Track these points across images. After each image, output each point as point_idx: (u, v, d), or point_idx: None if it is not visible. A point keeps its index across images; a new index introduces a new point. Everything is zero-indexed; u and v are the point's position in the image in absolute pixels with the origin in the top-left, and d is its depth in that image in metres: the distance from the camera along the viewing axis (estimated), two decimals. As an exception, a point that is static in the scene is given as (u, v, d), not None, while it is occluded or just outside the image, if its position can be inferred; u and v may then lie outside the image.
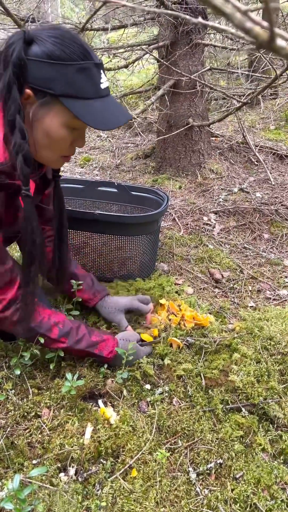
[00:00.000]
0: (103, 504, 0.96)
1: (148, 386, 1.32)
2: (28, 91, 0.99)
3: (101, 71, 1.03)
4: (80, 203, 2.10)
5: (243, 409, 1.24)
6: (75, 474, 1.07)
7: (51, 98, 1.00)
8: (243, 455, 1.12)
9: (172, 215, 2.54)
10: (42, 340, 1.21)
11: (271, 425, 1.21)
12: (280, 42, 0.36)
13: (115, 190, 2.07)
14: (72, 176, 3.16)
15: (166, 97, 2.79)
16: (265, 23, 0.36)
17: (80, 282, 1.48)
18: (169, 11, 0.59)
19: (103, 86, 1.03)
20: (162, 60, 2.54)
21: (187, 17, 0.53)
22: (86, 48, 1.00)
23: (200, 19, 0.49)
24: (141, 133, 3.60)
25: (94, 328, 1.36)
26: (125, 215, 1.83)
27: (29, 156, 1.01)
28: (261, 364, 1.33)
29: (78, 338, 1.26)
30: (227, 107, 2.95)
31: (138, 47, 2.45)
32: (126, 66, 2.65)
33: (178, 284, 1.86)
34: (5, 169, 1.02)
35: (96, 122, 1.00)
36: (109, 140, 3.86)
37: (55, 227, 1.33)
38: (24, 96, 1.00)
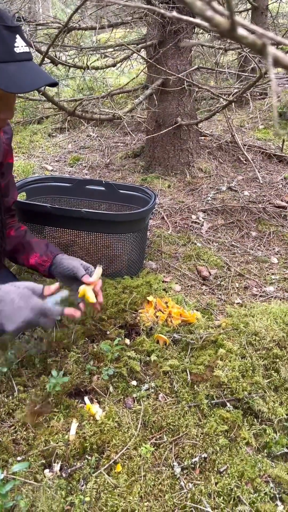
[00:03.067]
0: (87, 499, 0.96)
1: (134, 383, 1.32)
2: None
3: (17, 35, 1.00)
4: (68, 202, 2.10)
5: (228, 404, 1.25)
6: (60, 470, 1.07)
7: None
8: (228, 449, 1.13)
9: (161, 213, 2.55)
10: None
11: (255, 419, 1.22)
12: (241, 31, 0.37)
13: (103, 189, 2.07)
14: (61, 175, 3.15)
15: (155, 96, 2.80)
16: (226, 12, 0.36)
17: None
18: (150, 6, 0.59)
19: (19, 50, 1.00)
20: (149, 60, 2.55)
21: (161, 10, 0.54)
22: None
23: (174, 13, 0.50)
24: (130, 132, 3.59)
25: None
26: (112, 212, 1.83)
27: None
28: (246, 359, 1.34)
29: None
30: (216, 106, 2.97)
31: (127, 46, 2.45)
32: (114, 65, 2.66)
33: (166, 281, 1.86)
34: None
35: (7, 85, 0.96)
36: (99, 140, 3.86)
37: None
38: None
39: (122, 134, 4.06)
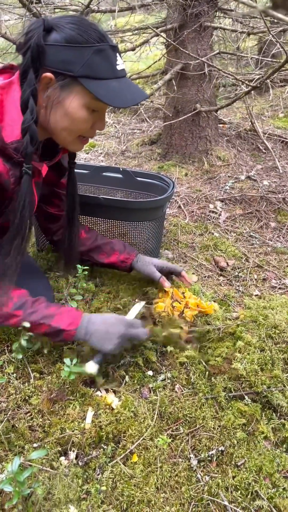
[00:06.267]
0: (103, 488, 0.95)
1: (150, 373, 1.31)
2: (49, 74, 1.04)
3: (117, 54, 1.08)
4: (84, 189, 2.07)
5: (246, 397, 1.22)
6: (76, 458, 1.06)
7: (70, 80, 1.05)
8: (245, 442, 1.11)
9: (177, 202, 2.51)
10: None
11: (274, 414, 1.19)
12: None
13: (120, 176, 2.04)
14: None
15: (174, 82, 2.74)
16: (281, -24, 0.33)
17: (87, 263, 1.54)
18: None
19: (119, 67, 1.08)
20: (172, 42, 2.48)
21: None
22: (102, 32, 1.06)
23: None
24: (147, 119, 3.54)
25: (60, 305, 1.26)
26: (130, 199, 1.80)
27: (35, 136, 1.05)
28: (265, 353, 1.32)
29: (33, 310, 1.17)
30: (236, 93, 2.89)
31: (149, 27, 2.39)
32: (133, 49, 2.60)
33: (182, 271, 1.83)
34: (20, 146, 1.06)
35: (113, 100, 1.05)
36: (115, 126, 3.81)
37: (66, 210, 1.39)
38: (45, 80, 1.05)
39: (139, 121, 4.00)
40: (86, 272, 1.46)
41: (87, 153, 3.35)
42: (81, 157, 3.25)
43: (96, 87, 1.03)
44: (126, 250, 1.56)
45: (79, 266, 1.46)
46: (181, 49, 2.47)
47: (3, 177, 1.09)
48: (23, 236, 1.12)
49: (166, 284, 1.49)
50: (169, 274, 1.59)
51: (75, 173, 1.37)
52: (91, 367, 1.19)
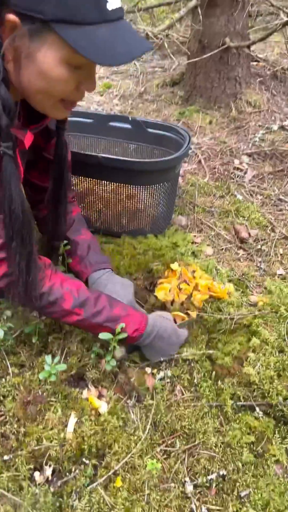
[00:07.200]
0: (76, 524, 0.81)
1: (148, 370, 1.13)
2: (12, 17, 0.72)
3: None
4: (87, 142, 1.81)
5: (257, 408, 1.03)
6: (52, 475, 0.92)
7: (41, 26, 0.73)
8: (253, 467, 0.94)
9: (198, 156, 2.21)
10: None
11: (289, 431, 1.00)
12: None
13: (129, 126, 1.76)
14: (84, 108, 2.81)
15: (199, 10, 2.31)
16: None
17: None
18: None
19: (110, 6, 0.74)
20: None
21: None
22: None
23: None
24: (171, 55, 3.11)
25: (118, 301, 1.09)
26: (134, 160, 1.53)
27: (8, 102, 0.75)
28: (285, 355, 1.11)
29: (97, 309, 1.02)
30: (274, 23, 2.44)
31: None
32: None
33: (196, 243, 1.60)
34: None
35: (98, 54, 0.73)
36: (134, 64, 3.39)
37: (51, 180, 1.11)
38: (8, 25, 0.73)
39: (161, 57, 3.56)
40: (69, 247, 1.23)
41: (101, 95, 3.01)
42: (94, 100, 2.92)
43: (75, 36, 0.72)
44: (87, 260, 1.23)
45: (66, 247, 1.23)
46: None
47: None
48: (22, 236, 0.87)
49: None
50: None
51: (66, 138, 1.06)
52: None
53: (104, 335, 1.02)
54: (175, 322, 1.19)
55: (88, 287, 1.11)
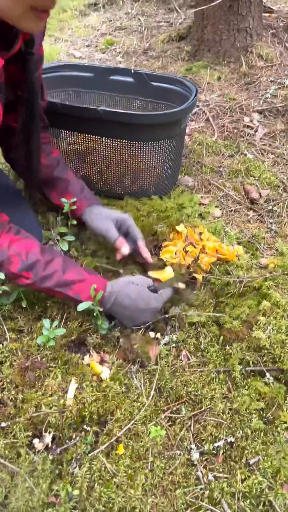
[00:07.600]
0: (76, 492, 0.77)
1: (151, 334, 1.08)
2: None
3: None
4: (87, 97, 1.70)
5: (267, 374, 0.98)
6: (52, 442, 0.88)
7: None
8: (262, 434, 0.89)
9: (205, 114, 2.08)
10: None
11: (301, 397, 0.95)
12: None
13: (132, 80, 1.64)
14: (80, 62, 2.66)
15: None
16: None
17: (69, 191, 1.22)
18: None
19: None
20: None
21: None
22: None
23: None
24: (177, 8, 2.92)
25: (77, 265, 1.04)
26: (137, 113, 1.43)
27: None
28: (298, 319, 1.04)
29: (46, 274, 0.97)
30: None
31: None
32: None
33: (203, 204, 1.51)
34: None
35: None
36: (138, 19, 3.20)
37: (20, 120, 1.04)
38: None
39: (167, 11, 3.35)
40: (74, 206, 1.17)
41: (103, 53, 2.84)
42: (96, 57, 2.77)
43: None
44: (82, 195, 1.23)
45: (64, 200, 1.17)
46: None
47: None
48: None
49: (124, 249, 1.14)
50: (126, 235, 1.21)
51: (34, 67, 0.98)
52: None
53: (82, 306, 0.97)
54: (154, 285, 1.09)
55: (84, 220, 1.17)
